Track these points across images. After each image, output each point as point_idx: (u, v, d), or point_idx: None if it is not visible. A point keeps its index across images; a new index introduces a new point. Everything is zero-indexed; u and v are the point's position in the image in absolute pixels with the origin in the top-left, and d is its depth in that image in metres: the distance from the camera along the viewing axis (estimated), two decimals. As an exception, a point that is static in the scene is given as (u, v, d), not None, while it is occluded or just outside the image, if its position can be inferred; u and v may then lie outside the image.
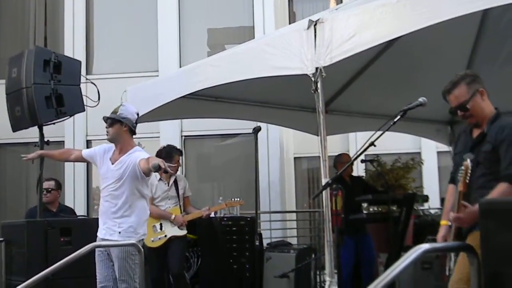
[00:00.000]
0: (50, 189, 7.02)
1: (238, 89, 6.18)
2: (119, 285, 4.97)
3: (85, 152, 5.53)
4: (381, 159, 8.91)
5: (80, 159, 5.62)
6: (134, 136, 5.26)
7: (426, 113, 7.30)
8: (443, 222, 3.91)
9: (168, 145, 7.09)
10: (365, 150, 4.07)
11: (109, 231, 5.05)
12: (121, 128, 5.12)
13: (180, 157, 7.09)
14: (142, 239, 5.18)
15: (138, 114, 5.28)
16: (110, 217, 5.08)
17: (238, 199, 7.19)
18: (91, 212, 11.43)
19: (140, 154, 5.07)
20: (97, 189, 11.96)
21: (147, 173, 4.99)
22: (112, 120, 5.13)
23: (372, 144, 4.02)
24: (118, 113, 5.13)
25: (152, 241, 6.61)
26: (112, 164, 5.12)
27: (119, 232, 4.99)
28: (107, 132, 5.18)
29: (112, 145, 5.24)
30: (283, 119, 8.41)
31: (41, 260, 5.59)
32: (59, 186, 7.29)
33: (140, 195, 5.11)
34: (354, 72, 7.31)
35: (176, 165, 6.59)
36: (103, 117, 5.25)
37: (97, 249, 5.05)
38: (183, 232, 6.75)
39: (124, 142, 5.16)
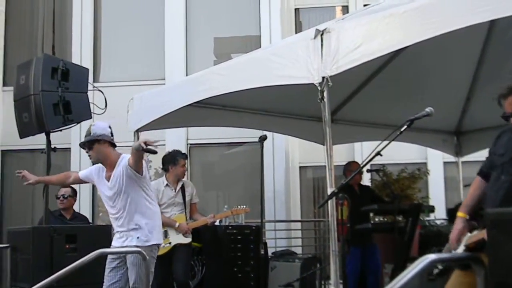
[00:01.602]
0: (66, 196, 7.10)
1: (244, 97, 6.19)
2: None
3: (82, 174, 5.49)
4: (387, 169, 8.90)
5: (78, 181, 5.59)
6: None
7: (433, 123, 7.32)
8: (461, 214, 3.79)
9: (173, 150, 7.10)
10: (371, 159, 4.06)
11: (125, 241, 5.08)
12: (101, 147, 5.11)
13: (186, 161, 7.07)
14: (158, 244, 5.19)
15: (110, 127, 5.24)
16: (123, 230, 5.11)
17: (244, 206, 7.18)
18: (96, 219, 11.44)
19: (126, 156, 5.08)
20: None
21: (135, 165, 4.95)
22: (90, 143, 5.11)
23: (378, 153, 4.02)
24: (92, 134, 5.10)
25: (157, 248, 6.61)
26: (108, 181, 5.13)
27: (138, 237, 5.02)
28: (90, 156, 5.17)
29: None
30: (289, 128, 8.41)
31: (46, 267, 5.59)
32: (75, 193, 7.35)
33: (146, 201, 5.12)
34: (361, 82, 7.32)
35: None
36: (80, 144, 5.25)
37: (109, 257, 5.07)
38: (188, 239, 6.74)
39: (110, 158, 5.13)
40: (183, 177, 6.95)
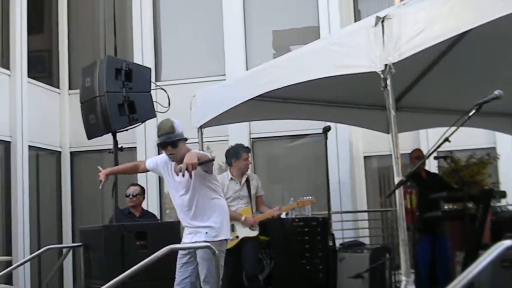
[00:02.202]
0: (135, 194, 7.27)
1: (305, 89, 6.15)
2: (202, 286, 5.03)
3: (148, 164, 5.50)
4: (455, 156, 8.70)
5: (145, 170, 5.62)
6: (204, 141, 5.31)
7: (501, 106, 7.07)
8: None
9: (236, 144, 7.12)
10: (439, 146, 3.97)
11: (195, 236, 5.13)
12: (183, 145, 5.12)
13: (249, 155, 7.05)
14: (227, 239, 5.23)
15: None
16: (191, 225, 5.16)
17: (310, 197, 7.15)
18: (164, 216, 11.62)
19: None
20: (169, 194, 12.16)
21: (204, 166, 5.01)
22: (175, 141, 5.06)
23: (446, 139, 3.92)
24: (175, 132, 5.06)
25: (225, 242, 6.66)
26: (177, 175, 5.09)
27: (206, 232, 5.06)
28: (172, 154, 5.10)
29: None
30: (352, 118, 8.33)
31: (118, 264, 5.71)
32: (143, 191, 7.53)
33: (214, 196, 5.17)
34: (424, 67, 7.17)
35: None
36: (162, 143, 5.10)
37: (179, 253, 5.14)
38: (255, 232, 6.76)
39: (184, 153, 5.06)
40: (247, 171, 6.96)
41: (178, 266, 5.17)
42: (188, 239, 5.20)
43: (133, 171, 5.74)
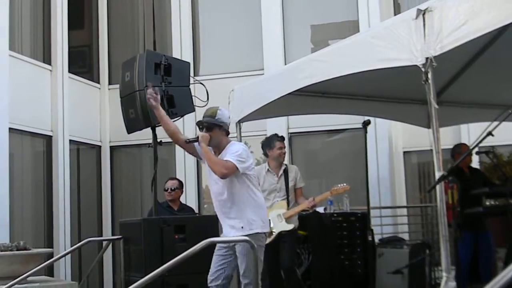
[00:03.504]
0: (174, 188, 7.36)
1: (344, 83, 6.11)
2: (241, 280, 5.06)
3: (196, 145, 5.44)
4: (497, 151, 8.54)
5: (186, 146, 5.41)
6: (242, 135, 5.31)
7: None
8: None
9: (271, 135, 7.11)
10: (482, 140, 3.91)
11: (232, 230, 5.15)
12: (219, 133, 5.21)
13: (283, 144, 6.98)
14: (264, 233, 5.22)
15: (230, 117, 5.37)
16: (227, 217, 5.18)
17: (344, 184, 6.98)
18: (202, 210, 11.68)
19: (232, 149, 5.14)
20: (207, 188, 12.22)
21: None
22: (212, 124, 5.19)
23: (490, 133, 3.86)
24: (216, 117, 5.19)
25: (262, 237, 6.64)
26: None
27: (242, 227, 5.08)
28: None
29: None
30: (391, 112, 8.24)
31: (157, 257, 5.75)
32: (182, 185, 7.61)
33: (251, 190, 5.18)
34: (466, 61, 7.04)
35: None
36: (198, 122, 5.29)
37: (217, 246, 5.16)
38: (291, 226, 6.69)
39: (221, 144, 5.23)
40: (282, 160, 6.90)
41: (214, 257, 5.20)
42: (225, 232, 5.23)
43: (175, 136, 5.43)
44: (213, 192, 5.28)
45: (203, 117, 5.28)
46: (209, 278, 5.18)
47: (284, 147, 6.94)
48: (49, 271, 9.74)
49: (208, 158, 5.11)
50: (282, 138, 7.04)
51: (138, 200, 12.36)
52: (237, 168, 5.03)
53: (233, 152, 5.09)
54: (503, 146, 9.28)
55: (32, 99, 10.50)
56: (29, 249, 6.66)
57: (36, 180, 10.75)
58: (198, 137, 5.17)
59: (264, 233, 5.23)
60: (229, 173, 5.01)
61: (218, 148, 5.22)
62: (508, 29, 5.85)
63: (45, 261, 6.76)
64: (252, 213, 5.13)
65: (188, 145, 5.36)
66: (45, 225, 10.65)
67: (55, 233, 10.54)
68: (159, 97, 5.30)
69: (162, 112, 5.37)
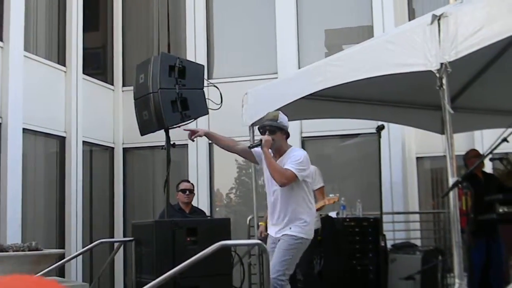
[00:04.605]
0: (192, 190, 7.46)
1: (358, 88, 6.10)
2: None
3: (255, 150, 5.58)
4: (511, 157, 8.48)
5: (244, 154, 5.71)
6: (255, 139, 5.32)
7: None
8: None
9: None
10: (496, 146, 3.88)
11: (281, 230, 5.24)
12: (281, 136, 5.34)
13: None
14: (308, 239, 5.30)
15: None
16: (277, 219, 5.28)
17: (337, 195, 7.09)
18: (214, 213, 11.69)
19: (294, 155, 5.22)
20: (218, 192, 12.23)
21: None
22: (275, 128, 5.31)
23: (505, 139, 3.83)
24: (279, 121, 5.33)
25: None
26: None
27: (290, 228, 5.17)
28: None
29: None
30: (405, 117, 8.22)
31: (168, 259, 5.74)
32: (193, 188, 7.68)
33: (304, 195, 5.28)
34: (481, 67, 7.03)
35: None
36: (261, 126, 5.41)
37: (271, 245, 5.29)
38: None
39: (282, 148, 5.36)
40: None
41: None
42: (272, 231, 5.38)
43: (230, 144, 5.76)
44: (269, 188, 5.41)
45: (265, 121, 5.41)
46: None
47: None
48: (61, 272, 9.78)
49: (269, 163, 5.20)
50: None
51: (150, 202, 12.39)
52: (297, 177, 5.14)
53: (295, 160, 5.20)
54: (517, 153, 9.21)
55: (46, 100, 10.56)
56: (41, 250, 6.68)
57: (48, 180, 10.80)
58: (261, 141, 5.25)
59: (308, 239, 5.30)
60: (288, 183, 5.14)
61: (279, 152, 5.35)
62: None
63: (57, 262, 6.78)
64: (304, 218, 5.23)
65: (246, 151, 5.53)
66: (57, 225, 10.69)
67: (67, 234, 10.58)
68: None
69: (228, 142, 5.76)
